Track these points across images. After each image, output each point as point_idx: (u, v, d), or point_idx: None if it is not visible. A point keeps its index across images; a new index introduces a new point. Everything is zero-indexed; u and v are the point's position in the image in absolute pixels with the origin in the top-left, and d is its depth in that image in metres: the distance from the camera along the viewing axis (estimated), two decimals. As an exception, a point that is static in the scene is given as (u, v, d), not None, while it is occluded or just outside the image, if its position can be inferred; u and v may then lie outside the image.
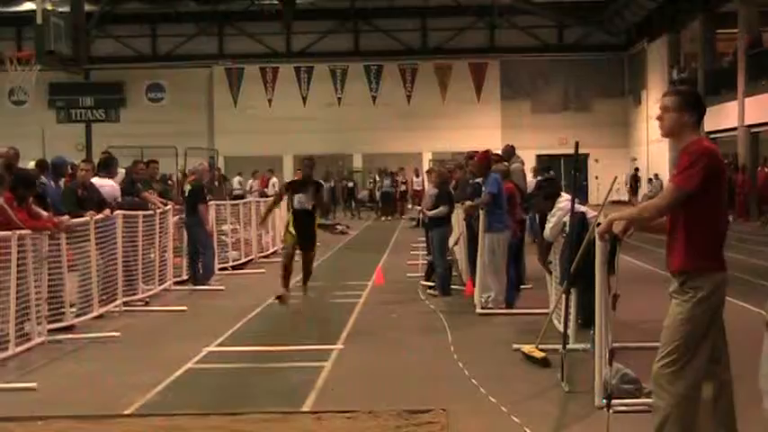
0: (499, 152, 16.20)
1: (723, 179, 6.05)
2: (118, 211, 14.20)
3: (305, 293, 14.98)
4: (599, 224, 7.82)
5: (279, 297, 14.13)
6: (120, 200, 14.89)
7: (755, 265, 16.50)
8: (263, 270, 19.55)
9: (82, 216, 12.84)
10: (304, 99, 49.28)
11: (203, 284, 16.55)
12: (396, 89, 49.15)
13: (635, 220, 6.35)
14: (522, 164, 17.60)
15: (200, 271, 16.97)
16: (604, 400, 7.53)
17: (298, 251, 14.75)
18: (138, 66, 48.23)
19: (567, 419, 7.62)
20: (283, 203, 15.71)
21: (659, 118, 6.23)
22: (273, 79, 49.38)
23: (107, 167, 15.50)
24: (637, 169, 45.42)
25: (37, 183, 12.56)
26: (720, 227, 5.99)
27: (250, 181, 37.52)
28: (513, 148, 17.43)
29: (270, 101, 49.31)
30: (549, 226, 11.34)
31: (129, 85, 46.22)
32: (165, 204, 16.70)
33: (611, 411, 6.81)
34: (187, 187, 18.00)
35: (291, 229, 14.26)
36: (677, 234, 5.93)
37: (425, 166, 40.44)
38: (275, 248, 23.90)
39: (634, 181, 44.88)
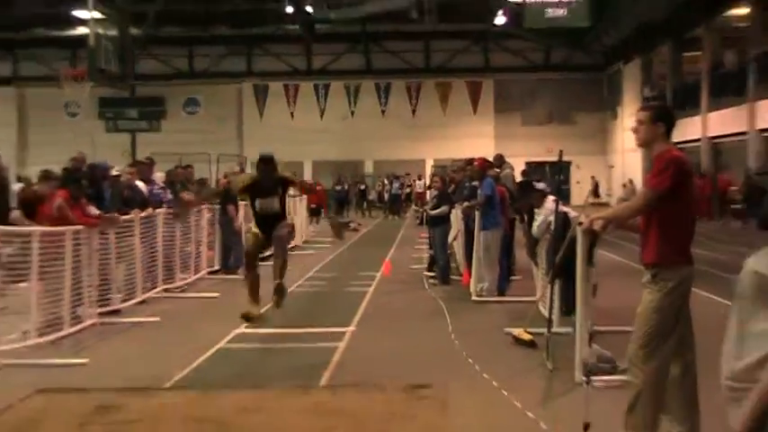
0: (491, 160, 16.19)
1: (690, 183, 6.05)
2: (159, 209, 14.26)
3: (276, 306, 11.06)
4: (580, 223, 7.82)
5: (245, 315, 10.50)
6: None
7: (718, 259, 16.44)
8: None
9: (128, 214, 12.91)
10: (322, 112, 49.30)
11: (234, 273, 16.56)
12: (402, 103, 49.16)
13: (613, 218, 6.36)
14: (512, 170, 17.57)
15: (232, 261, 17.02)
16: (584, 377, 7.52)
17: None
18: (176, 82, 48.29)
19: (551, 394, 7.61)
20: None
21: (634, 130, 6.23)
22: (295, 94, 49.41)
23: (148, 172, 15.60)
24: (597, 184, 46.44)
25: (84, 184, 12.59)
26: (688, 225, 5.98)
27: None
28: (502, 156, 17.43)
29: (292, 113, 49.30)
30: (535, 224, 11.35)
31: (169, 100, 46.26)
32: (201, 204, 16.78)
33: (589, 387, 6.80)
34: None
35: (256, 228, 10.32)
36: (650, 231, 5.92)
37: (428, 172, 40.45)
38: (295, 242, 23.91)
39: (595, 192, 46.09)
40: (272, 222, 9.67)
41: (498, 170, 15.28)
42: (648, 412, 5.81)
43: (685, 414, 5.90)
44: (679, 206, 5.90)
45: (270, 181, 9.26)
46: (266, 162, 9.76)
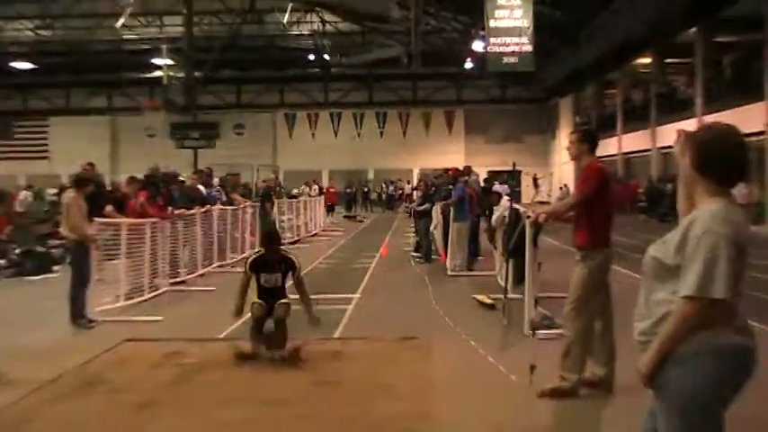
0: (462, 169, 16.15)
1: (609, 187, 6.06)
2: (214, 206, 14.29)
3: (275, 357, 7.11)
4: (528, 216, 7.82)
5: (240, 354, 7.09)
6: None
7: (631, 243, 16.43)
8: (308, 245, 19.57)
9: (191, 209, 12.92)
10: (335, 133, 49.23)
11: None
12: (396, 127, 49.13)
13: (553, 213, 6.38)
14: (477, 177, 17.53)
15: None
16: (531, 331, 7.54)
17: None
18: (227, 111, 48.22)
19: (506, 343, 7.60)
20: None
21: (568, 148, 6.26)
22: (316, 120, 49.33)
23: (207, 178, 15.64)
24: (535, 179, 46.34)
25: (161, 187, 12.60)
26: (608, 218, 6.00)
27: (303, 188, 37.46)
28: (470, 167, 17.38)
29: (313, 134, 49.23)
30: (494, 217, 11.36)
31: (222, 124, 46.08)
32: (246, 202, 16.84)
33: (535, 338, 6.80)
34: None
35: (258, 299, 7.32)
36: (580, 222, 5.94)
37: (415, 178, 40.40)
38: (316, 231, 23.91)
39: (535, 184, 46.11)
40: (274, 294, 7.28)
41: (467, 177, 15.27)
42: (578, 357, 5.83)
43: (605, 360, 5.92)
44: (601, 204, 5.92)
45: (275, 256, 7.25)
46: (272, 240, 7.47)
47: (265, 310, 7.21)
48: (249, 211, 16.84)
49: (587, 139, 6.19)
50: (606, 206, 5.97)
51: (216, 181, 16.70)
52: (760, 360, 2.85)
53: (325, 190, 37.51)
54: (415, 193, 21.52)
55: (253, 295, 7.30)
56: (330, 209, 34.52)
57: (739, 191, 17.50)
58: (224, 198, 15.76)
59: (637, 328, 2.90)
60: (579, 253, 5.93)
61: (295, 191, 31.30)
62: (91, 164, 12.51)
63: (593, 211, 5.89)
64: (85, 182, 9.62)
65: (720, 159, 2.83)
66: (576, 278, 5.90)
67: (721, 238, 2.71)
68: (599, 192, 5.90)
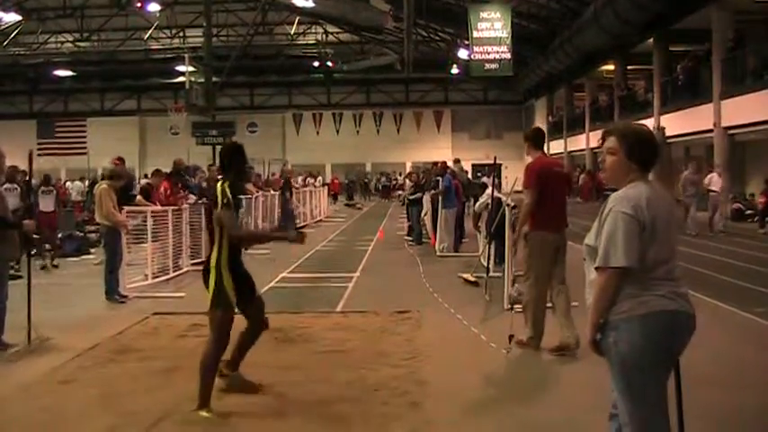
0: (451, 163, 16.09)
1: (546, 180, 6.01)
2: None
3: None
4: (508, 204, 7.81)
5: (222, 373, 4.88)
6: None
7: (587, 225, 16.46)
8: (313, 230, 19.55)
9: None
10: (337, 131, 49.02)
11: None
12: (391, 125, 48.92)
13: (523, 222, 6.26)
14: (462, 169, 17.37)
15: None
16: (509, 305, 7.55)
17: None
18: (242, 112, 47.97)
19: (488, 316, 7.63)
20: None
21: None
22: (320, 120, 49.12)
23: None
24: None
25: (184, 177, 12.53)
26: (548, 206, 5.97)
27: (308, 179, 37.30)
28: (459, 160, 17.18)
29: (317, 132, 49.02)
30: (478, 204, 11.34)
31: (237, 124, 45.63)
32: (257, 191, 16.74)
33: (513, 311, 6.80)
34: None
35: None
36: (535, 212, 5.97)
37: (408, 170, 40.35)
38: (321, 217, 23.87)
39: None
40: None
41: (455, 169, 15.20)
42: (533, 316, 6.01)
43: (563, 321, 5.95)
44: (542, 195, 5.94)
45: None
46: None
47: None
48: (261, 199, 16.75)
49: (529, 138, 6.27)
50: (543, 196, 5.93)
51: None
52: (695, 326, 2.84)
53: (330, 181, 37.30)
54: (407, 183, 21.45)
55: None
56: (334, 197, 34.48)
57: (714, 180, 17.48)
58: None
59: (587, 302, 2.94)
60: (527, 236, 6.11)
61: (301, 181, 31.17)
62: (120, 158, 12.41)
63: (537, 201, 5.91)
64: (119, 176, 9.59)
65: (642, 148, 2.92)
66: (523, 256, 6.18)
67: (619, 216, 2.78)
68: (535, 185, 5.91)
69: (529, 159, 6.30)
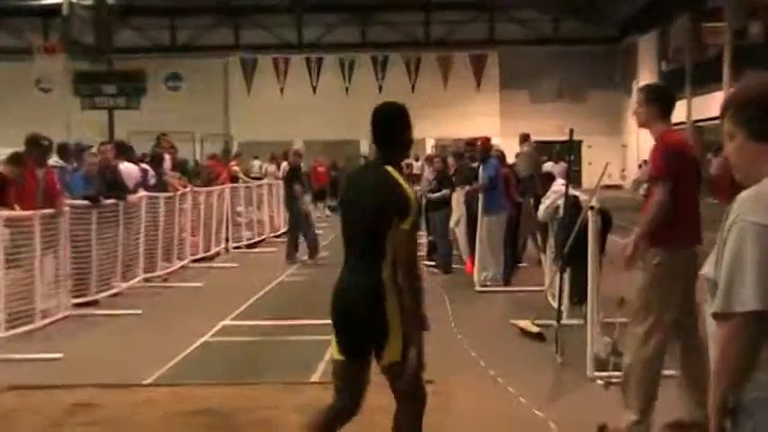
0: (498, 140, 16.12)
1: (689, 168, 6.22)
2: (142, 194, 14.19)
3: None
4: (592, 207, 7.83)
5: None
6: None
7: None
8: (274, 249, 19.51)
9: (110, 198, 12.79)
10: (314, 88, 49.16)
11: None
12: (400, 79, 48.96)
13: (641, 238, 6.22)
14: (533, 149, 17.15)
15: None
16: (595, 372, 7.57)
17: None
18: (157, 56, 48.11)
19: (561, 390, 7.63)
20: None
21: (635, 112, 6.35)
22: (285, 69, 49.27)
23: (126, 152, 15.44)
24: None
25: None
26: (690, 209, 6.14)
27: (266, 165, 37.38)
28: (528, 136, 17.00)
29: (281, 89, 49.17)
30: (542, 207, 11.34)
31: (149, 75, 45.91)
32: (185, 187, 16.74)
33: (602, 383, 6.82)
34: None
35: None
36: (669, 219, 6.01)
37: (428, 152, 40.41)
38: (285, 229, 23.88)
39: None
40: None
41: (525, 151, 15.13)
42: (643, 384, 6.03)
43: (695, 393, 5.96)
44: (679, 190, 6.01)
45: None
46: None
47: None
48: (189, 200, 16.71)
49: (656, 98, 6.24)
50: (676, 195, 5.97)
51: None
52: None
53: (310, 169, 35.86)
54: (426, 172, 21.41)
55: None
56: (319, 196, 33.86)
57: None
58: (152, 180, 15.53)
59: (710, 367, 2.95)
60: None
61: (257, 169, 31.10)
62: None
63: (671, 201, 5.93)
64: None
65: None
66: (637, 288, 6.11)
67: (748, 229, 2.73)
68: (674, 175, 5.92)
69: (629, 135, 6.35)
